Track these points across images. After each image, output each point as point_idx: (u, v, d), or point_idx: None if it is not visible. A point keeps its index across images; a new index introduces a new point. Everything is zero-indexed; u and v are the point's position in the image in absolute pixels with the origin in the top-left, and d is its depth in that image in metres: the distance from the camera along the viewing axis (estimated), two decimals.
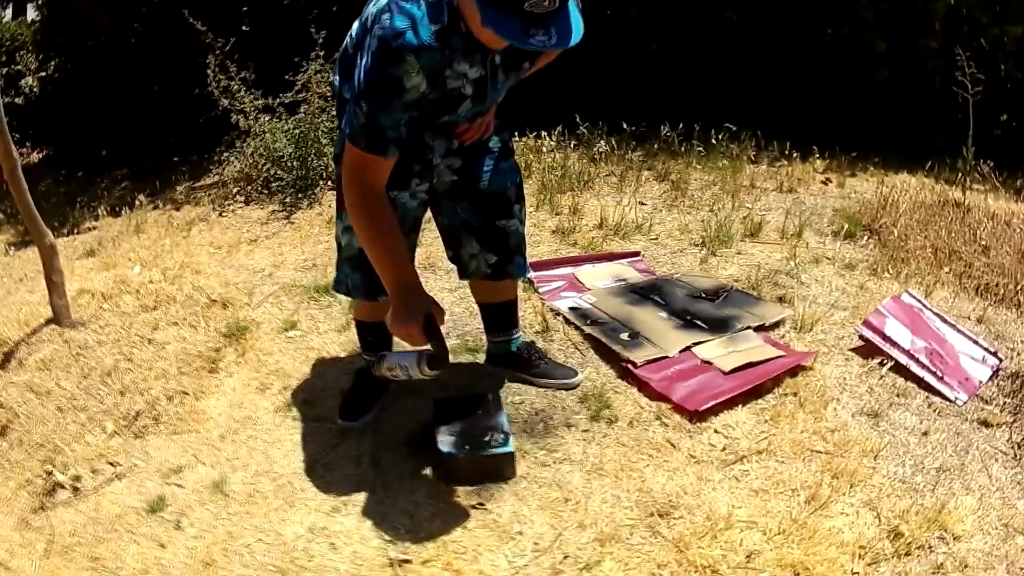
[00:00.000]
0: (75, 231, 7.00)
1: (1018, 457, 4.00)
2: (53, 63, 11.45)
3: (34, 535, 3.61)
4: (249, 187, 7.13)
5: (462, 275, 4.13)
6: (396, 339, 3.50)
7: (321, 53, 7.08)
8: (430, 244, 5.31)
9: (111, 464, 3.99)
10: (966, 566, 3.34)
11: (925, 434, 4.08)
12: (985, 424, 4.20)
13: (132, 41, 10.00)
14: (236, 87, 7.15)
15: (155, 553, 3.41)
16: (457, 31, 3.19)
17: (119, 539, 3.50)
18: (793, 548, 3.34)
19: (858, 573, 3.26)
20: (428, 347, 3.31)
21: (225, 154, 7.38)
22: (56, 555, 3.48)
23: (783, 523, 3.47)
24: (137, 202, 7.10)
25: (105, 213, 6.87)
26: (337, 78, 3.72)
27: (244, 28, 8.48)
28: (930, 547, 3.41)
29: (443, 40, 3.17)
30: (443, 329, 3.38)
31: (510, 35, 2.93)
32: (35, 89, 11.57)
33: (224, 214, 6.84)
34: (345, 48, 3.66)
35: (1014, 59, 8.55)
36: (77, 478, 3.90)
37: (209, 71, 7.18)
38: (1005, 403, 4.37)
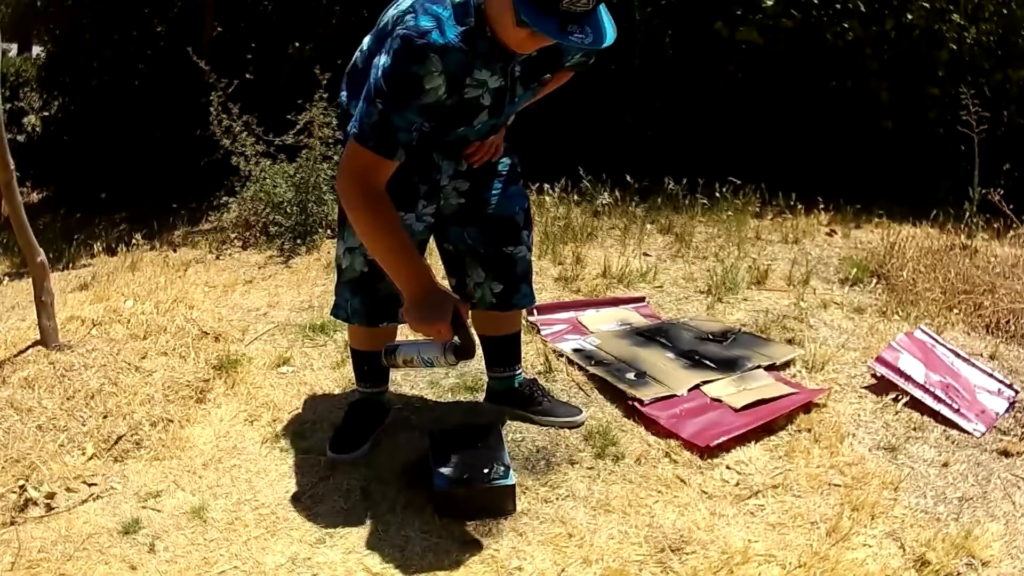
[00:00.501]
0: (70, 266, 6.94)
1: None
2: (56, 103, 11.55)
3: (1, 548, 3.43)
4: (247, 233, 7.05)
5: (469, 305, 3.95)
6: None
7: (324, 95, 7.02)
8: None
9: (87, 484, 3.82)
10: None
11: (945, 465, 3.94)
12: (1005, 454, 4.06)
13: (136, 83, 10.09)
14: (238, 128, 7.10)
15: (124, 575, 3.26)
16: (482, 34, 3.15)
17: (88, 558, 3.34)
18: None
19: None
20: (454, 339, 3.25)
21: (224, 198, 7.26)
22: (21, 569, 3.30)
23: (803, 556, 3.30)
24: (134, 241, 7.04)
25: (101, 250, 6.84)
26: (344, 94, 3.65)
27: (248, 76, 8.47)
28: (959, 574, 3.26)
29: (468, 42, 3.13)
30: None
31: (548, 31, 2.89)
32: (37, 128, 11.60)
33: (221, 257, 6.75)
34: (355, 63, 3.61)
35: (1017, 105, 8.54)
36: (51, 495, 3.72)
37: (212, 109, 7.13)
38: (1023, 435, 4.24)
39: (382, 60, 3.16)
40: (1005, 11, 8.77)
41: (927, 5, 8.31)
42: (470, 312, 3.86)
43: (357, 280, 3.72)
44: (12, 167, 4.61)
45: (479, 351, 3.88)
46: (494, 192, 3.79)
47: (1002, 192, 5.73)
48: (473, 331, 3.38)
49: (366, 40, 3.58)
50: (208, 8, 9.21)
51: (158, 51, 10.05)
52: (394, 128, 3.14)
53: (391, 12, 3.37)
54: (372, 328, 3.81)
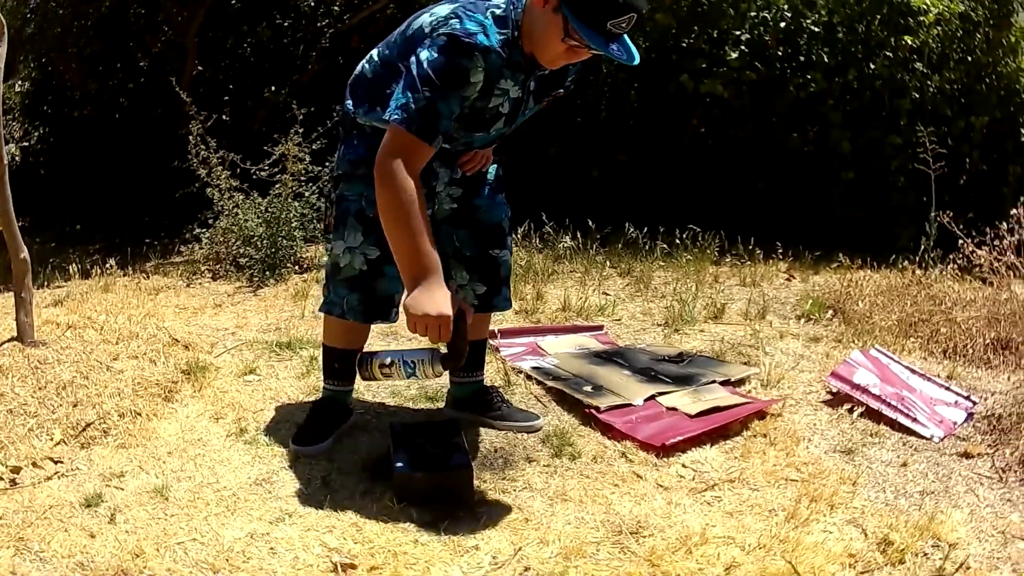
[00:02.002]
0: (45, 286, 6.92)
1: (1004, 480, 3.89)
2: (37, 133, 11.52)
3: None
4: (217, 265, 7.13)
5: None
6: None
7: (300, 130, 7.17)
8: None
9: (53, 462, 3.87)
10: (968, 568, 3.21)
11: (904, 465, 3.98)
12: (966, 455, 4.10)
13: (116, 116, 10.24)
14: (215, 161, 7.19)
15: (83, 541, 3.27)
16: (517, 45, 3.43)
17: (48, 526, 3.37)
18: (776, 559, 3.18)
19: None
20: (439, 346, 3.34)
21: (197, 230, 7.31)
22: None
23: (762, 538, 3.33)
24: (108, 266, 7.05)
25: (76, 273, 6.82)
26: (350, 101, 3.81)
27: (224, 117, 8.55)
28: (925, 554, 3.29)
29: (507, 49, 3.40)
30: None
31: (599, 45, 3.23)
32: (17, 158, 11.54)
33: (192, 286, 6.83)
34: (362, 73, 3.79)
35: (980, 151, 8.64)
36: (16, 470, 3.75)
37: (191, 138, 7.22)
38: (983, 439, 4.28)
39: (424, 55, 3.35)
40: (970, 58, 8.91)
41: (890, 55, 8.44)
42: None
43: (356, 278, 3.81)
44: (5, 161, 4.66)
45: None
46: (484, 199, 4.00)
47: (962, 227, 5.80)
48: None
49: (376, 51, 3.77)
50: (191, 47, 9.35)
51: (139, 86, 10.19)
52: (438, 115, 3.33)
53: (425, 19, 3.51)
54: (362, 325, 3.92)
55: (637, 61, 3.31)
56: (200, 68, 9.75)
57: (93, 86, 10.11)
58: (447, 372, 3.67)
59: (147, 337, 5.13)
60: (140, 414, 4.30)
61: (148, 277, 7.10)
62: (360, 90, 3.76)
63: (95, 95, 10.26)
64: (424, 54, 3.35)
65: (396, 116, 3.34)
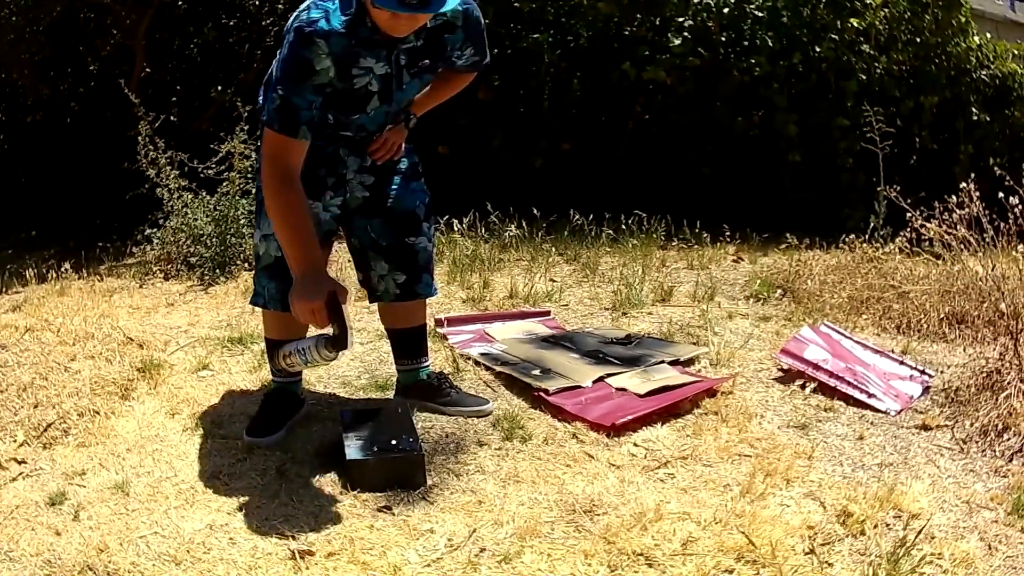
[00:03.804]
0: (3, 292, 6.92)
1: (966, 451, 3.94)
2: None
3: None
4: (169, 266, 7.15)
5: (371, 298, 4.24)
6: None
7: (246, 127, 7.17)
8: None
9: (17, 462, 3.93)
10: (933, 537, 3.24)
11: (860, 438, 4.02)
12: (924, 427, 4.15)
13: (68, 120, 10.28)
14: (163, 161, 7.19)
15: (50, 539, 3.31)
16: (363, 23, 3.48)
17: (16, 526, 3.42)
18: (733, 533, 3.21)
19: (812, 553, 3.14)
20: (328, 331, 3.44)
21: (148, 231, 7.33)
22: None
23: (719, 513, 3.37)
24: (63, 270, 7.06)
25: (32, 278, 6.81)
26: (261, 99, 3.92)
27: (172, 118, 8.55)
28: (887, 524, 3.32)
29: (350, 29, 3.47)
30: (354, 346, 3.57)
31: (387, 3, 3.27)
32: None
33: (145, 286, 6.85)
34: (270, 73, 3.82)
35: (929, 131, 8.69)
36: None
37: (140, 139, 7.21)
38: (941, 412, 4.31)
39: (281, 53, 3.55)
40: (919, 39, 9.02)
41: (836, 38, 8.51)
42: (377, 305, 4.23)
43: (272, 266, 3.89)
44: None
45: (387, 346, 4.31)
46: (396, 187, 4.06)
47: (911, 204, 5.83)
48: (351, 321, 3.52)
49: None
50: (139, 49, 9.34)
51: (89, 90, 10.20)
52: (295, 108, 3.47)
53: (293, 15, 3.63)
54: (286, 314, 3.86)
55: (447, 7, 3.37)
56: (148, 70, 9.75)
57: (45, 91, 10.08)
58: (339, 353, 3.65)
59: (102, 337, 5.19)
60: (99, 413, 4.34)
61: (102, 279, 7.11)
62: (263, 88, 3.92)
63: (47, 100, 10.24)
64: (281, 52, 3.54)
65: (264, 117, 3.55)
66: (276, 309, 3.97)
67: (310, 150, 3.61)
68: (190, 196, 7.21)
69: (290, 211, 3.48)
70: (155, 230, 7.36)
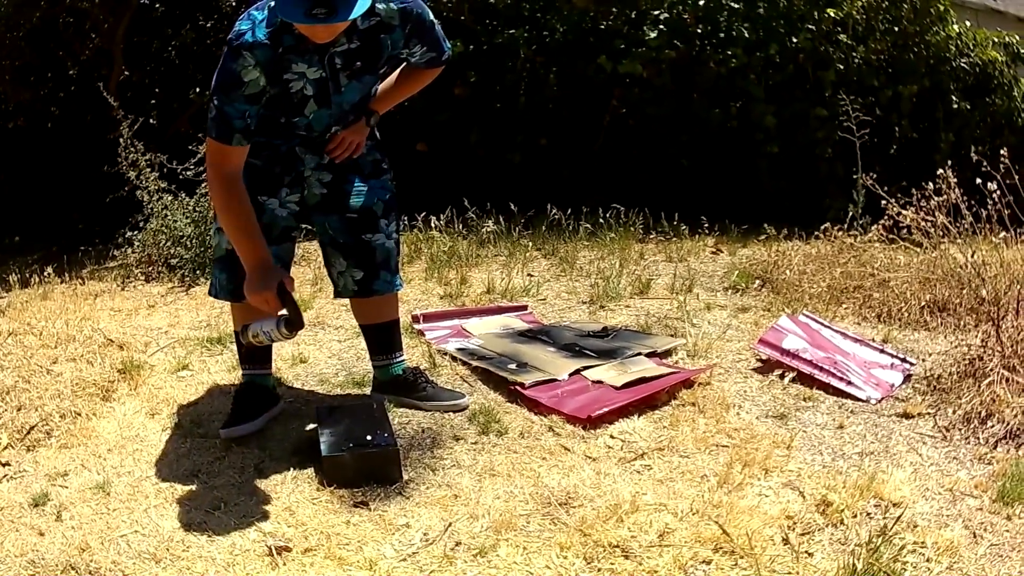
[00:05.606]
0: None
1: (948, 438, 3.94)
2: None
3: None
4: (150, 268, 7.17)
5: (335, 293, 4.33)
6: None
7: None
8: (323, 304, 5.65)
9: (1, 465, 3.98)
10: (916, 526, 3.25)
11: (840, 427, 4.03)
12: (906, 416, 4.15)
13: (49, 125, 10.32)
14: (143, 163, 7.21)
15: (33, 540, 3.36)
16: (289, 31, 3.55)
17: (0, 527, 3.48)
18: (710, 524, 3.21)
19: (790, 543, 3.14)
20: (284, 312, 3.61)
21: (129, 234, 7.36)
22: None
23: (695, 504, 3.37)
24: (46, 274, 7.08)
25: (15, 283, 6.82)
26: None
27: (152, 121, 8.58)
28: (868, 514, 3.33)
29: (274, 38, 3.55)
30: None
31: (291, 15, 3.35)
32: None
33: (126, 288, 6.89)
34: None
35: (909, 120, 8.69)
36: None
37: (121, 140, 7.23)
38: (923, 400, 4.31)
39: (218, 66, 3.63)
40: (897, 28, 9.03)
41: (813, 28, 8.51)
42: (349, 301, 4.33)
43: (224, 258, 4.03)
44: None
45: (364, 343, 4.40)
46: (354, 185, 4.11)
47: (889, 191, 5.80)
48: (299, 304, 3.69)
49: None
50: (117, 52, 9.36)
51: (70, 94, 10.24)
52: (228, 117, 3.60)
53: None
54: (240, 305, 4.00)
55: (354, 15, 3.36)
56: (127, 73, 9.79)
57: (26, 96, 10.10)
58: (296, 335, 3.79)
59: (83, 340, 5.23)
60: (80, 414, 4.39)
61: (84, 283, 7.13)
62: None
63: (28, 105, 10.26)
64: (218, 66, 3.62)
65: (207, 126, 3.66)
66: (227, 299, 4.13)
67: (267, 148, 3.84)
68: (170, 198, 7.23)
69: (232, 211, 3.66)
70: (136, 233, 7.37)
